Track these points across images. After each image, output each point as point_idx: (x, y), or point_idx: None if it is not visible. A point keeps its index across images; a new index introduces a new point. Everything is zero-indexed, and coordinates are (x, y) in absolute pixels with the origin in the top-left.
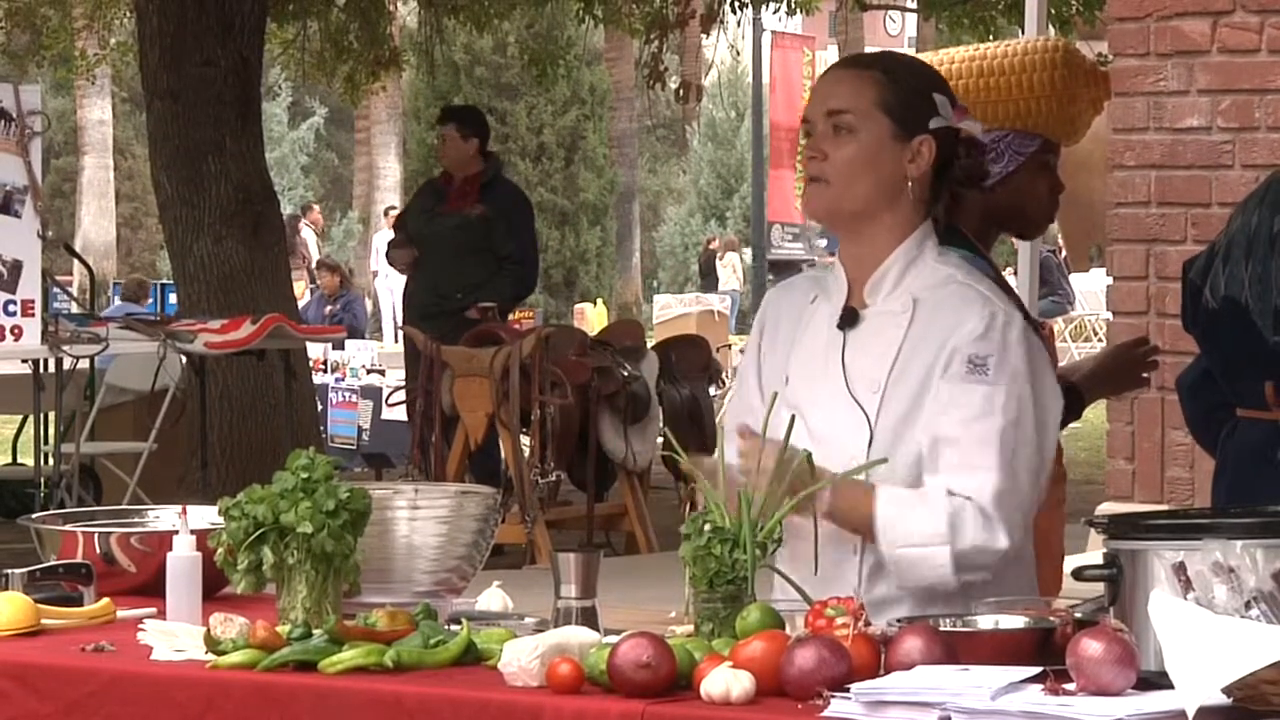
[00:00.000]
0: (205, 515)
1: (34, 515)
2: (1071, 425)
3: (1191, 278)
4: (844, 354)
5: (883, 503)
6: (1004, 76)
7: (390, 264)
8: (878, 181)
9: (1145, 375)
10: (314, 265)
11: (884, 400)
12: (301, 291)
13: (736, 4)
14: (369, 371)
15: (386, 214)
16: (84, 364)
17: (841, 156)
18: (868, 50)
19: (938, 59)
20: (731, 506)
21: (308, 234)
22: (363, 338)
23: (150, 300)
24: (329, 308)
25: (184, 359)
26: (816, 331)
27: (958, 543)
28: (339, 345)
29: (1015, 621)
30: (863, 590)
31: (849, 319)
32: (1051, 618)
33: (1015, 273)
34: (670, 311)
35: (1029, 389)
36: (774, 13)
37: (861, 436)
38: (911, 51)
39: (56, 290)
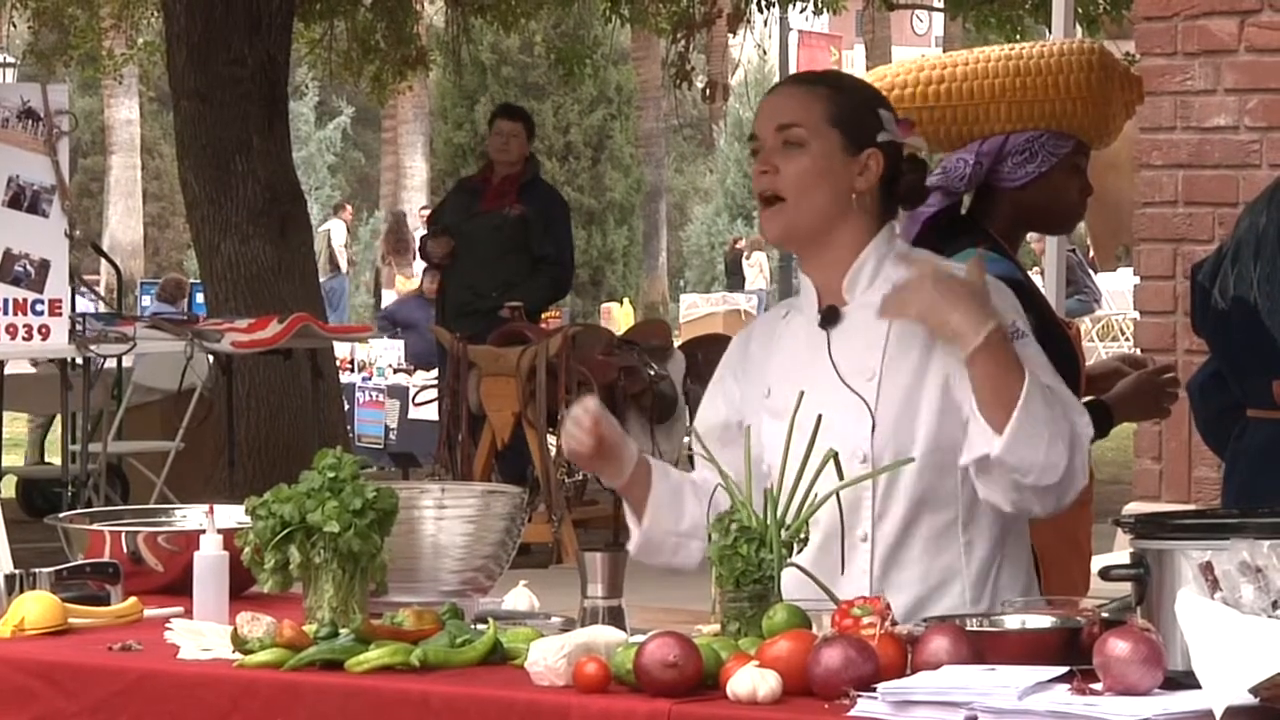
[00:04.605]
0: (232, 514)
1: (61, 514)
2: None
3: (1200, 280)
4: (831, 350)
5: (1031, 382)
6: (1039, 77)
7: (426, 256)
8: (831, 194)
9: (1166, 406)
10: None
11: (881, 386)
12: (416, 289)
13: (763, 3)
14: (396, 371)
15: (420, 213)
16: (111, 363)
17: (794, 170)
18: (899, 55)
19: (971, 57)
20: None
21: (338, 228)
22: None
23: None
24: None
25: (211, 358)
26: (794, 340)
27: (1070, 449)
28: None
29: (1042, 621)
30: (877, 578)
31: (831, 317)
32: (1078, 617)
33: (1042, 273)
34: (697, 311)
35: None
36: (801, 12)
37: (864, 425)
38: (939, 51)
39: (84, 290)
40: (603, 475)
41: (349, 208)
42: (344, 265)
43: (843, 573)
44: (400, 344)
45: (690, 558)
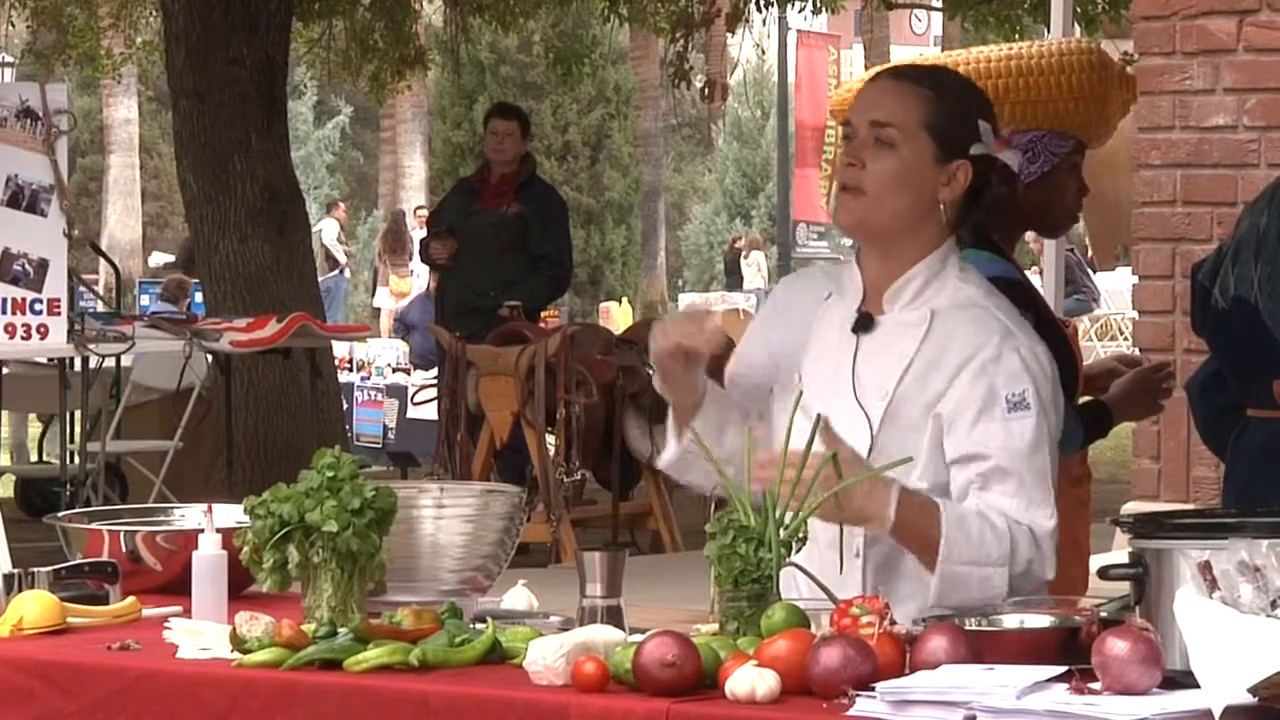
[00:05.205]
0: (231, 514)
1: (60, 514)
2: None
3: (1200, 280)
4: (855, 359)
5: (949, 524)
6: (1042, 77)
7: (428, 258)
8: (912, 200)
9: (1162, 403)
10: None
11: (889, 409)
12: (409, 289)
13: (762, 3)
14: (395, 370)
15: (415, 213)
16: (109, 362)
17: (879, 170)
18: (898, 54)
19: (972, 57)
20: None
21: (330, 226)
22: None
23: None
24: None
25: (209, 357)
26: (828, 332)
27: (1015, 566)
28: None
29: (1041, 621)
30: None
31: (864, 324)
32: (1077, 617)
33: (1040, 272)
34: None
35: (1054, 418)
36: (799, 11)
37: (862, 443)
38: (938, 51)
39: (82, 289)
40: (672, 390)
41: (342, 206)
42: (342, 258)
43: (841, 572)
44: (399, 344)
45: (710, 479)
